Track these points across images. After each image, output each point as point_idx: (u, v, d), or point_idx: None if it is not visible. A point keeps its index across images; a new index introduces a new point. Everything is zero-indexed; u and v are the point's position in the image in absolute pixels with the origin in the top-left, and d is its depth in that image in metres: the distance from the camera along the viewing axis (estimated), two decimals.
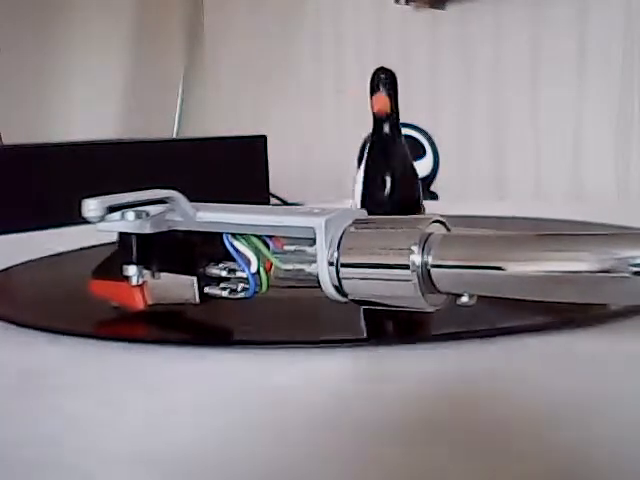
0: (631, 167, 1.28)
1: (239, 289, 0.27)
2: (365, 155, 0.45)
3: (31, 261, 0.43)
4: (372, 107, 0.45)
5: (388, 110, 0.45)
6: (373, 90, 0.45)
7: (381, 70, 0.45)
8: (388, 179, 0.43)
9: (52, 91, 1.90)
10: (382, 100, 0.45)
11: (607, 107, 1.30)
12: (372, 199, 0.43)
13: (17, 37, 1.79)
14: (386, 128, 0.44)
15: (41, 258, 0.44)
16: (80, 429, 0.19)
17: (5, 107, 1.68)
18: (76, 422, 0.20)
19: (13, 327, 0.28)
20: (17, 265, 0.42)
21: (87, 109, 1.94)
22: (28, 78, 1.82)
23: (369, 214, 0.27)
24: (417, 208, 0.44)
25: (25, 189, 1.11)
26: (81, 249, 0.46)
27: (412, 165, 0.45)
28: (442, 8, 1.55)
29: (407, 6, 1.57)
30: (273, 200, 1.41)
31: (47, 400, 0.22)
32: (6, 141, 1.50)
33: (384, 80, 0.45)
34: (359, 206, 0.44)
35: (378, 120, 0.44)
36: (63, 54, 1.93)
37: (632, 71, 1.26)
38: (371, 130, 0.45)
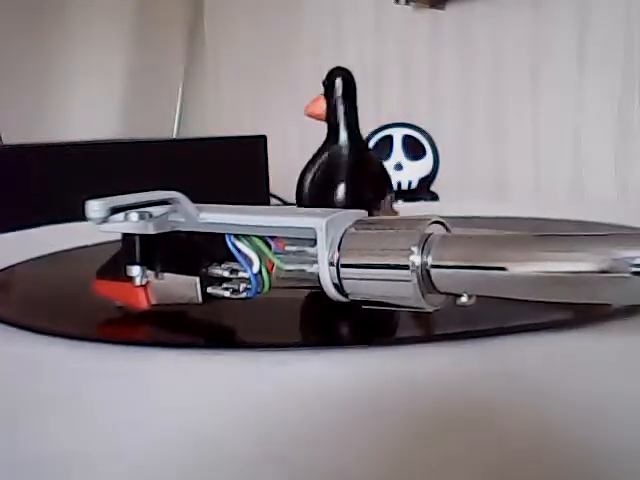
0: (631, 167, 1.28)
1: (241, 289, 0.27)
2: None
3: (32, 260, 0.43)
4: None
5: (319, 112, 0.42)
6: (327, 90, 0.42)
7: (338, 70, 0.42)
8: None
9: (52, 91, 1.91)
10: (313, 104, 0.42)
11: (607, 107, 1.30)
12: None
13: (17, 37, 1.79)
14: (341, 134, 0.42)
15: (41, 257, 0.44)
16: (81, 430, 0.19)
17: (5, 107, 1.68)
18: (76, 423, 0.20)
19: (14, 328, 0.29)
20: (18, 264, 0.42)
21: (87, 109, 1.94)
22: (28, 78, 1.82)
23: None
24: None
25: (25, 189, 1.11)
26: (81, 247, 0.46)
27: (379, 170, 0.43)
28: (442, 8, 1.55)
29: (407, 6, 1.58)
30: (273, 200, 1.41)
31: (47, 400, 0.22)
32: (6, 141, 1.50)
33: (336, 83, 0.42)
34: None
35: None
36: (63, 54, 1.93)
37: (632, 71, 1.26)
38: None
